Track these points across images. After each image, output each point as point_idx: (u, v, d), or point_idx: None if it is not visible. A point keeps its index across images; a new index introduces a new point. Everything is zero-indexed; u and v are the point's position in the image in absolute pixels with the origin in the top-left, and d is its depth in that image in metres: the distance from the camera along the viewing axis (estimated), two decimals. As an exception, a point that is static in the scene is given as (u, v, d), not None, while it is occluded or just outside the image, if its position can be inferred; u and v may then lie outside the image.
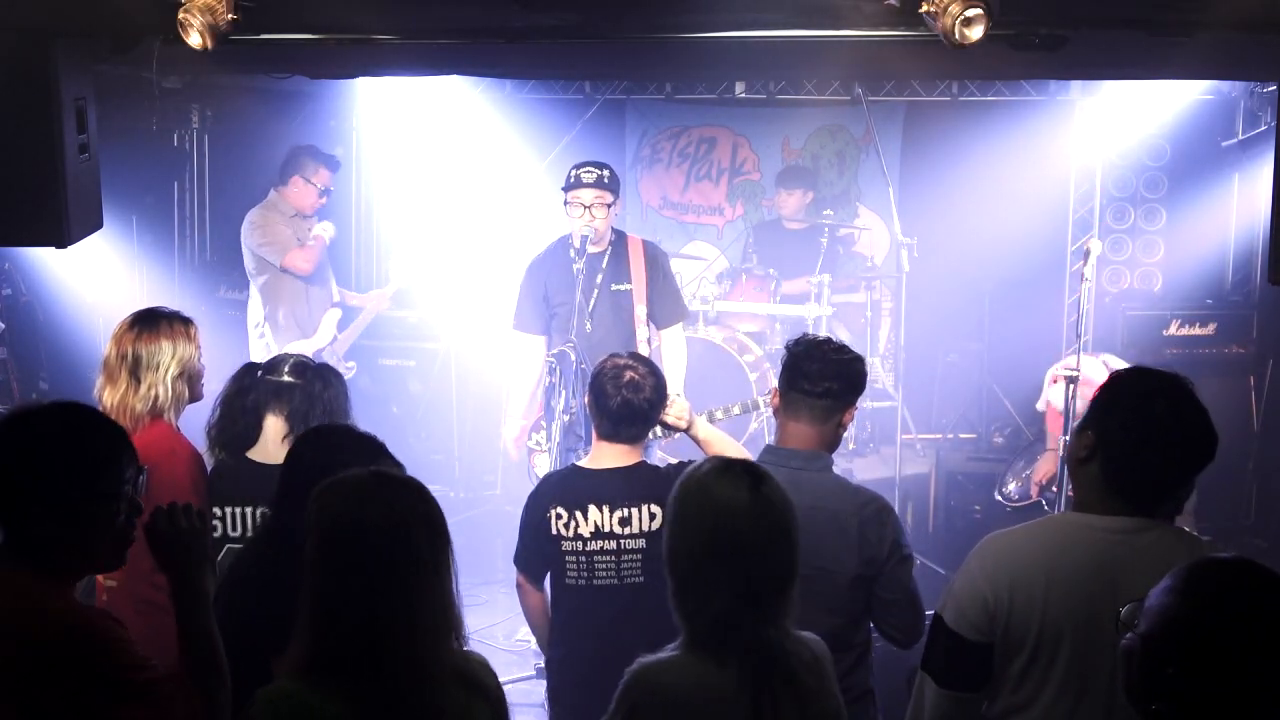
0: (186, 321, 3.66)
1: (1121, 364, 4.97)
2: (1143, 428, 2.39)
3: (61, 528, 2.24)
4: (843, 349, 3.19)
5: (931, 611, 2.60)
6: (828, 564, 2.98)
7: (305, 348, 6.05)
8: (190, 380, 3.62)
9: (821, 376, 3.09)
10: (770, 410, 4.85)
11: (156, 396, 3.52)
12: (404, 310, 7.06)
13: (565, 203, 5.07)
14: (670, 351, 5.24)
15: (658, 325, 5.26)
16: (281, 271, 6.14)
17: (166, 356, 3.55)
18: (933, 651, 2.53)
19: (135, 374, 3.54)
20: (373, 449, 2.74)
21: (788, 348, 3.23)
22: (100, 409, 3.53)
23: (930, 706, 2.52)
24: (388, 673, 2.07)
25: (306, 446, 2.81)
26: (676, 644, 2.31)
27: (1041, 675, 2.42)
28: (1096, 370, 4.96)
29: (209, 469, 3.57)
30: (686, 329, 6.57)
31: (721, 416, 5.16)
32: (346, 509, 2.13)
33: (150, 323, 3.60)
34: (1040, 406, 5.81)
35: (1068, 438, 4.61)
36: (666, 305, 5.28)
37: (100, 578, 3.54)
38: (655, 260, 5.27)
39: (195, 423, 3.69)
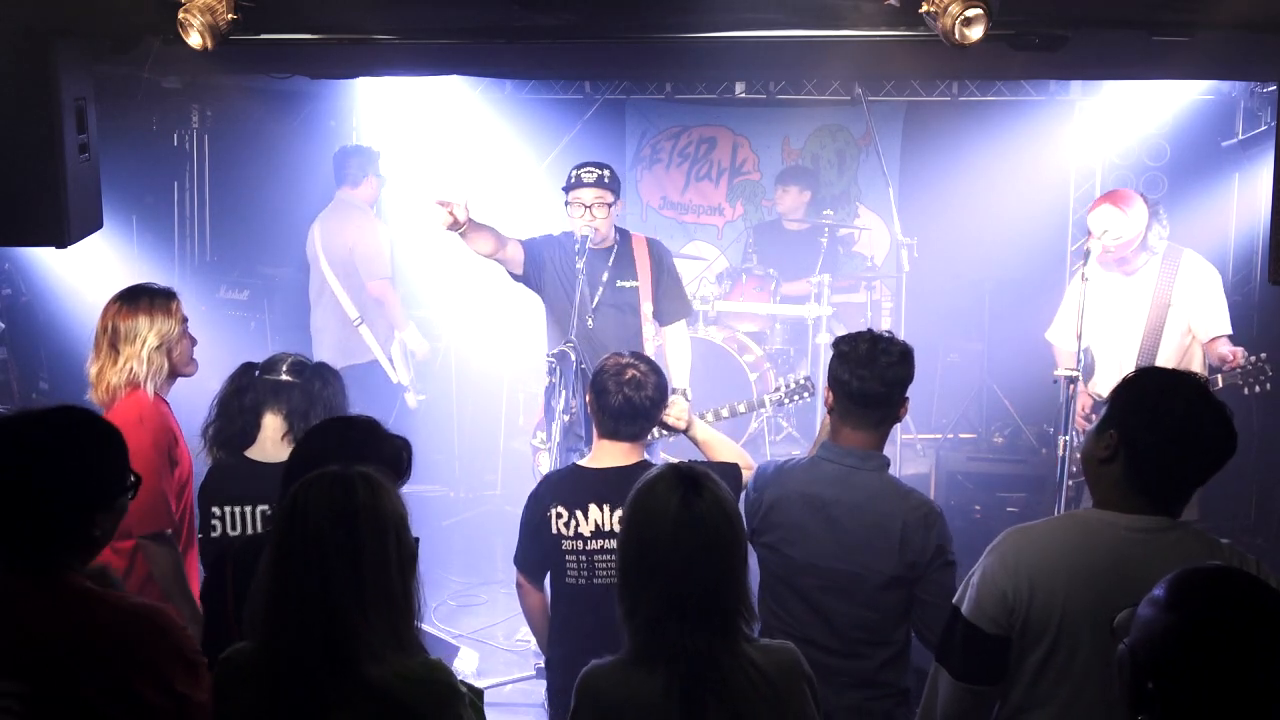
0: (169, 296, 3.76)
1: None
2: (1168, 426, 2.40)
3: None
4: (889, 349, 3.09)
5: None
6: (868, 562, 3.03)
7: (408, 338, 6.39)
8: (171, 352, 3.71)
9: (872, 384, 3.06)
10: (763, 411, 4.92)
11: (132, 369, 3.64)
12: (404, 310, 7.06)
13: (566, 203, 5.08)
14: (674, 348, 5.25)
15: (661, 322, 5.26)
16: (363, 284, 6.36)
17: (144, 330, 3.66)
18: (949, 644, 2.53)
19: (115, 346, 3.66)
20: (370, 436, 2.75)
21: (835, 348, 3.17)
22: (89, 380, 3.70)
23: (944, 699, 2.53)
24: (309, 663, 2.10)
25: (310, 440, 2.81)
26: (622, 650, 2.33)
27: (1059, 672, 2.42)
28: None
29: (207, 469, 3.57)
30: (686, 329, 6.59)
31: (723, 416, 5.18)
32: (293, 499, 2.17)
33: (131, 299, 3.72)
34: None
35: (1068, 437, 4.61)
36: (671, 302, 5.28)
37: None
38: (660, 258, 5.28)
39: (191, 424, 3.70)
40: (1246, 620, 1.64)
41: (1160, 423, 2.41)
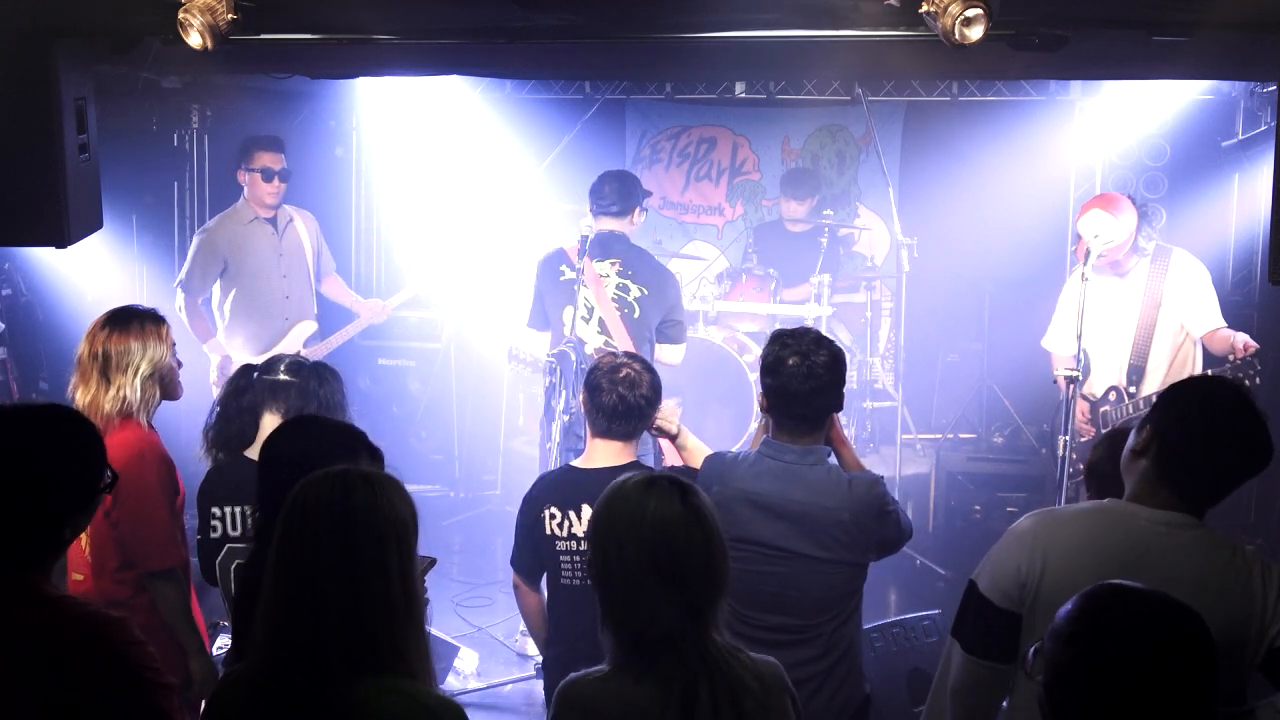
0: (159, 320, 3.62)
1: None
2: (1198, 424, 2.45)
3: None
4: (815, 373, 3.12)
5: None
6: (814, 553, 3.15)
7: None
8: (162, 380, 3.58)
9: (799, 402, 3.16)
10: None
11: (125, 398, 3.49)
12: (404, 310, 7.06)
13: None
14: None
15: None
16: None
17: (137, 357, 3.51)
18: (963, 617, 2.58)
19: (105, 374, 3.50)
20: (348, 438, 2.72)
21: (762, 366, 3.23)
22: (75, 406, 3.54)
23: (955, 671, 2.57)
24: (315, 666, 2.02)
25: (282, 440, 2.77)
26: (607, 661, 2.23)
27: None
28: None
29: (207, 470, 3.57)
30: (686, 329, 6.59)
31: None
32: (293, 503, 2.10)
33: (121, 322, 3.56)
34: None
35: (1068, 437, 4.59)
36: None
37: (72, 573, 3.55)
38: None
39: (193, 425, 3.69)
40: (1136, 649, 1.72)
41: (1191, 419, 2.46)
